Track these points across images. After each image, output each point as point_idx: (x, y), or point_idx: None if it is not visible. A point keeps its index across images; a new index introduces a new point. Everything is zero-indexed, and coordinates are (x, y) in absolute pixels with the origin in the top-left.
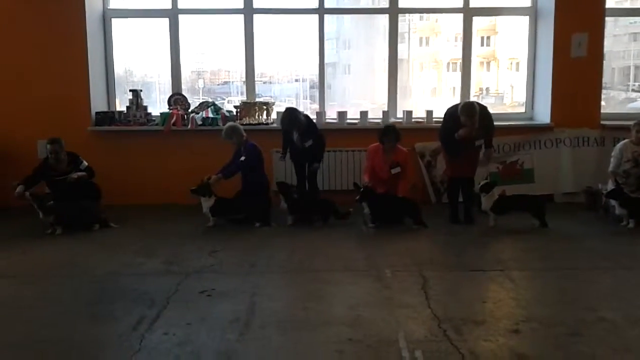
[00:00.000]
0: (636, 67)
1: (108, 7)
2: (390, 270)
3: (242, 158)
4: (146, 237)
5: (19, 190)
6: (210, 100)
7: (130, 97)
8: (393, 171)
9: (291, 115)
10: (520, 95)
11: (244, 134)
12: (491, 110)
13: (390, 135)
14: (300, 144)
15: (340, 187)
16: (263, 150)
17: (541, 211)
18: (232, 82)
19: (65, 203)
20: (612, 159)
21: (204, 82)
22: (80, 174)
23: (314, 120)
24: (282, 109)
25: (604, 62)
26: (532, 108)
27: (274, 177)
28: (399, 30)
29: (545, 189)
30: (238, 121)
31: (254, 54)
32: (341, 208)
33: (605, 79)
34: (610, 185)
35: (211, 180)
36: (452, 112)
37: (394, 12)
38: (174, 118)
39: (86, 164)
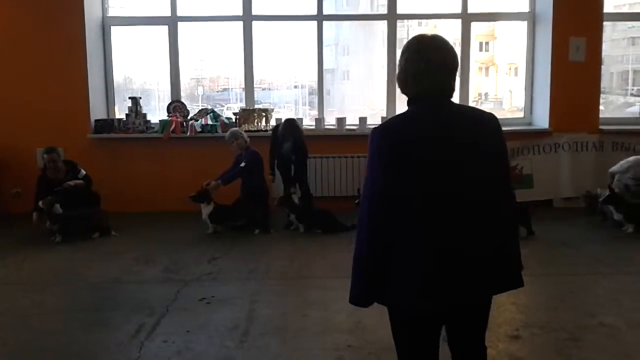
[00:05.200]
0: (634, 72)
1: (107, 15)
2: None
3: (243, 164)
4: (145, 245)
5: (42, 205)
6: (209, 107)
7: (130, 104)
8: None
9: (291, 124)
10: (519, 100)
11: (247, 140)
12: None
13: None
14: (286, 152)
15: (340, 193)
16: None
17: (524, 218)
18: (231, 89)
19: (68, 211)
20: (621, 163)
21: (203, 89)
22: (77, 181)
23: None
24: (281, 116)
25: (603, 66)
26: (531, 113)
27: (272, 185)
28: (398, 37)
29: (544, 194)
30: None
31: (253, 61)
32: (342, 220)
33: (604, 83)
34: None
35: (210, 187)
36: None
37: (392, 18)
38: (173, 125)
39: (84, 172)
